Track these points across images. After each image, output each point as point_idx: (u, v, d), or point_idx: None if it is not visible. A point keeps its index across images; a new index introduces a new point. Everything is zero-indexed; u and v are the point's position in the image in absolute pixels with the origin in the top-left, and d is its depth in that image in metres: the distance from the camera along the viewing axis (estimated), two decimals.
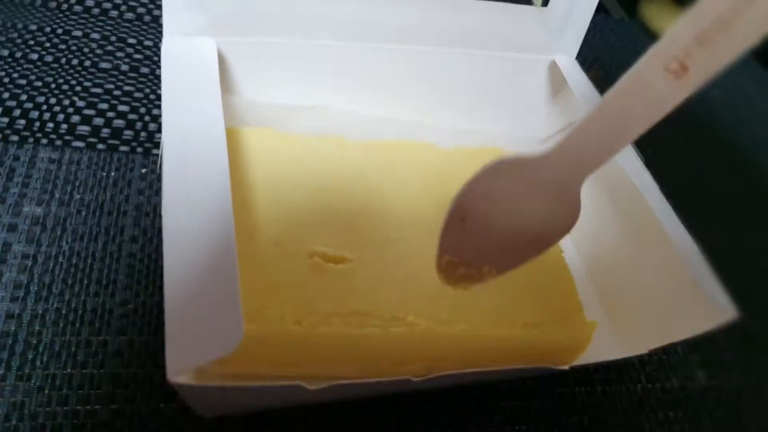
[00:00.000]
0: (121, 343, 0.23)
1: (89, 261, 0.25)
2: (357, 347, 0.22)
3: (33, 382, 0.21)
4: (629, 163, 0.27)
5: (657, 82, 0.15)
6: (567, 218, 0.19)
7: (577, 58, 0.32)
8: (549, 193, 0.18)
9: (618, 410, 0.27)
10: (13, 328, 0.22)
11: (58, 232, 0.26)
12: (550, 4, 0.30)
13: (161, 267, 0.26)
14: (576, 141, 0.17)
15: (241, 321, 0.17)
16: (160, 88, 0.33)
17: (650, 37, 0.49)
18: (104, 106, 0.31)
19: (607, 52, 0.48)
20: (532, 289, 0.25)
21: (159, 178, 0.29)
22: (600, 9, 0.32)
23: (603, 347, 0.26)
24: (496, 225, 0.19)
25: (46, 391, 0.21)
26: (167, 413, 0.22)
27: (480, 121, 0.32)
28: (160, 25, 0.37)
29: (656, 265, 0.25)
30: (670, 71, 0.14)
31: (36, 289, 0.24)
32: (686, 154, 0.41)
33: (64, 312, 0.23)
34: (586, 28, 0.31)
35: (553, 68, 0.32)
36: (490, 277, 0.20)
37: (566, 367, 0.21)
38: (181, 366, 0.16)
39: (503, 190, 0.18)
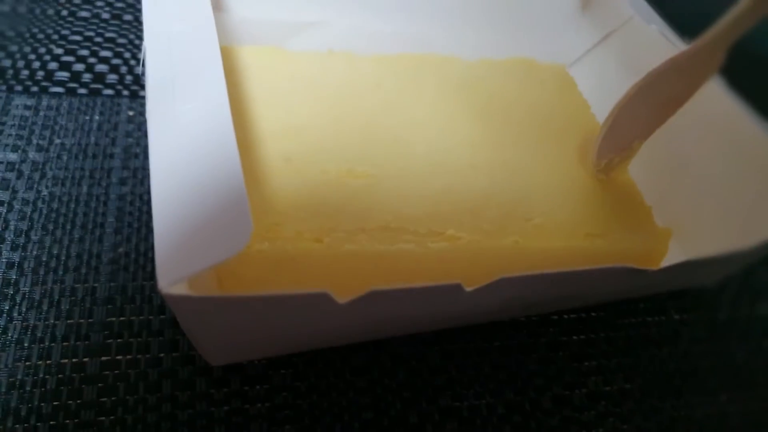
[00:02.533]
0: (111, 289, 0.20)
1: (72, 206, 0.22)
2: (388, 267, 0.18)
3: (10, 335, 0.18)
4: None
5: None
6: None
7: None
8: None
9: (701, 339, 0.23)
10: None
11: (36, 178, 0.22)
12: None
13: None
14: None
15: (249, 218, 0.13)
16: None
17: None
18: (85, 52, 0.28)
19: None
20: (589, 196, 0.21)
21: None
22: None
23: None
24: (644, 113, 0.22)
25: (26, 344, 0.18)
26: (169, 363, 0.18)
27: (504, 34, 0.28)
28: None
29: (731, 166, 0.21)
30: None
31: (12, 237, 0.20)
32: None
33: (44, 259, 0.20)
34: None
35: None
36: (639, 146, 0.23)
37: (655, 269, 0.17)
38: (177, 273, 0.12)
39: (654, 91, 0.21)
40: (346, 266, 0.18)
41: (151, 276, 0.20)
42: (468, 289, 0.15)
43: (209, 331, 0.15)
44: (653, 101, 0.21)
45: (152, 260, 0.21)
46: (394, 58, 0.25)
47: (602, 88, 0.28)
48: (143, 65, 0.19)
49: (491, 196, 0.20)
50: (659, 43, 0.25)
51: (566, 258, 0.19)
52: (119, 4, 0.31)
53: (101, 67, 0.28)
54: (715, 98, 0.23)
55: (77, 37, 0.29)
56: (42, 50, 0.28)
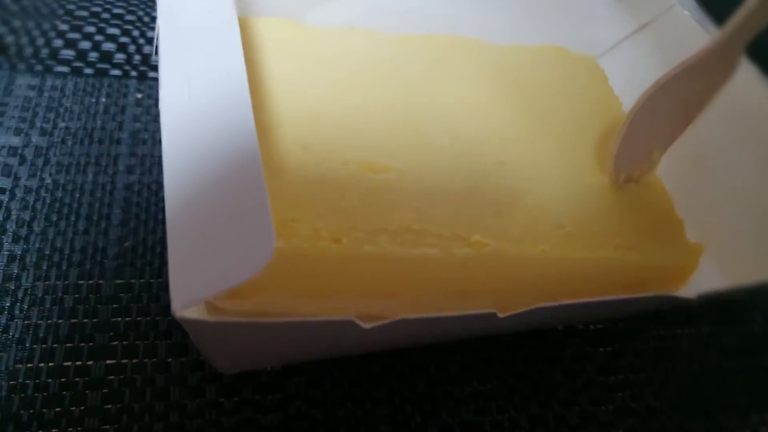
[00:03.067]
0: (117, 287, 0.19)
1: (77, 195, 0.21)
2: (410, 273, 0.17)
3: (11, 333, 0.17)
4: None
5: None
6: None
7: None
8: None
9: (733, 354, 0.22)
10: None
11: (40, 164, 0.21)
12: None
13: (164, 199, 0.21)
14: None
15: (271, 234, 0.12)
16: (154, 10, 0.29)
17: None
18: (91, 29, 0.27)
19: None
20: (621, 204, 0.20)
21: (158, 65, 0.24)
22: None
23: (705, 278, 0.21)
24: (660, 122, 0.20)
25: (28, 345, 0.17)
26: (177, 368, 0.17)
27: (535, 18, 0.26)
28: None
29: None
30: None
31: (14, 227, 0.19)
32: None
33: (47, 253, 0.19)
34: None
35: None
36: (659, 158, 0.21)
37: (693, 297, 0.16)
38: (191, 296, 0.11)
39: (668, 97, 0.20)
40: (365, 269, 0.16)
41: (159, 273, 0.19)
42: (502, 315, 0.14)
43: (223, 348, 0.14)
44: (668, 109, 0.20)
45: (160, 255, 0.20)
46: (419, 39, 0.23)
47: (633, 83, 0.26)
48: (156, 44, 0.18)
49: (519, 198, 0.19)
50: (697, 38, 0.23)
51: (594, 270, 0.18)
52: None
53: (108, 46, 0.26)
54: (752, 96, 0.21)
55: (83, 13, 0.27)
56: (46, 26, 0.26)
